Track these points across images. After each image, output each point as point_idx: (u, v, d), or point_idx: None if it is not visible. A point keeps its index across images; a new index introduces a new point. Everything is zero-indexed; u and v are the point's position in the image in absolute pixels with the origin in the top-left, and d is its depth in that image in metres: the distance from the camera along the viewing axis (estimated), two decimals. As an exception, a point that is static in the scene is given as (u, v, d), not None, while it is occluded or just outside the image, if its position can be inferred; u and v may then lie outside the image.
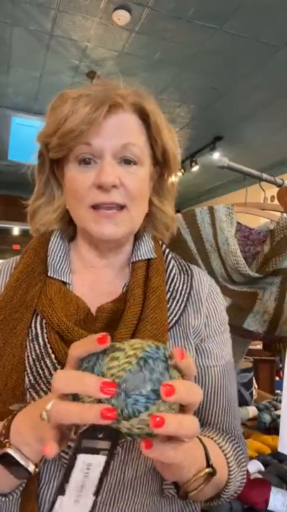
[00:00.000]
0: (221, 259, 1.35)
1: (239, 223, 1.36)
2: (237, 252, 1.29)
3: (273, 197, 1.49)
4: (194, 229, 1.40)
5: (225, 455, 0.64)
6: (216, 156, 4.99)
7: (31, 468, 0.50)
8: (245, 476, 0.68)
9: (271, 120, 4.38)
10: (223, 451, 0.65)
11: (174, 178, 0.75)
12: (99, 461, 0.44)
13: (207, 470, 0.55)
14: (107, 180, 0.61)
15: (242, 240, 1.37)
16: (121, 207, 0.64)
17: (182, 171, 5.83)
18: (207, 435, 0.67)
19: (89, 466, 0.44)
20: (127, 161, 0.64)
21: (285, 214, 1.39)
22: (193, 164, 5.54)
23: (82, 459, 0.43)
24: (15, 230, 8.48)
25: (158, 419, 0.40)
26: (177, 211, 1.52)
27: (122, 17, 2.92)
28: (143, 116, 0.66)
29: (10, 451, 0.50)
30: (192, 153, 5.41)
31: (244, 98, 3.99)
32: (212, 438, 0.66)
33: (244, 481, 0.67)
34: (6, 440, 0.50)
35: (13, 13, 2.98)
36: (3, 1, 2.84)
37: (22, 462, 0.50)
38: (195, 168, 5.57)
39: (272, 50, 3.22)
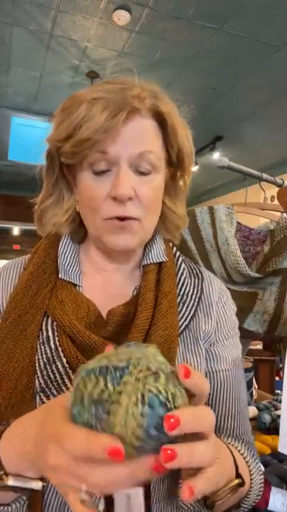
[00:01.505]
0: (221, 259, 1.35)
1: (239, 223, 1.36)
2: (237, 252, 1.29)
3: (273, 197, 1.49)
4: (194, 229, 1.40)
5: (247, 463, 0.63)
6: (216, 156, 4.99)
7: (38, 486, 0.47)
8: (263, 484, 0.66)
9: (271, 120, 4.38)
10: (244, 458, 0.63)
11: (187, 179, 0.73)
12: (136, 491, 0.42)
13: (237, 481, 0.53)
14: (123, 192, 0.59)
15: (242, 240, 1.37)
16: (134, 219, 0.63)
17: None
18: (228, 443, 0.65)
19: (128, 495, 0.42)
20: (143, 173, 0.62)
21: (285, 214, 1.39)
22: (193, 164, 5.54)
23: (119, 492, 0.41)
24: (15, 230, 8.49)
25: (169, 451, 0.37)
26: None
27: (122, 17, 2.92)
28: (160, 119, 0.63)
29: (10, 482, 0.46)
30: (192, 153, 5.41)
31: (244, 98, 3.99)
32: (233, 445, 0.64)
33: (262, 489, 0.65)
34: (2, 472, 0.47)
35: (13, 13, 2.98)
36: (3, 1, 2.84)
37: (27, 486, 0.47)
38: (195, 168, 5.57)
39: (272, 50, 3.22)
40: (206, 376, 0.69)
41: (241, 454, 0.63)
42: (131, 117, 0.60)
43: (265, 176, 1.49)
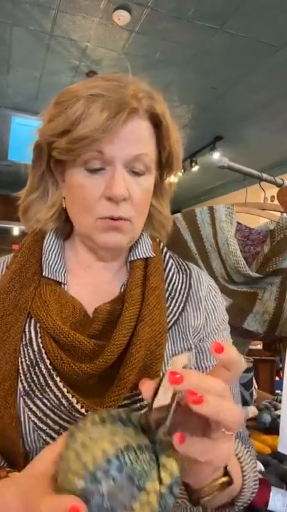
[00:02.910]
0: (222, 259, 1.35)
1: (239, 223, 1.36)
2: (237, 252, 1.29)
3: (273, 197, 1.49)
4: (194, 229, 1.40)
5: (240, 462, 0.61)
6: (216, 156, 4.99)
7: None
8: (257, 482, 0.64)
9: (271, 120, 4.38)
10: (237, 455, 0.62)
11: (173, 179, 0.73)
12: None
13: (225, 479, 0.51)
14: (118, 192, 0.59)
15: (242, 240, 1.37)
16: (126, 219, 0.62)
17: (182, 170, 5.83)
18: None
19: None
20: (136, 173, 0.62)
21: (285, 214, 1.39)
22: (193, 164, 5.54)
23: None
24: (15, 230, 8.49)
25: (177, 375, 0.38)
26: (178, 211, 1.52)
27: (122, 17, 2.92)
28: (155, 120, 0.63)
29: None
30: (192, 153, 5.41)
31: (244, 98, 3.99)
32: None
33: (257, 487, 0.64)
34: None
35: (13, 13, 2.98)
36: (3, 1, 2.85)
37: None
38: (195, 168, 5.57)
39: (272, 50, 3.22)
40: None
41: (236, 454, 0.62)
42: (130, 118, 0.59)
43: (265, 176, 1.49)
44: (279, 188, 1.47)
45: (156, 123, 0.63)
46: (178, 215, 1.42)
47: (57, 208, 0.68)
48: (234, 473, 0.54)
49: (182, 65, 3.53)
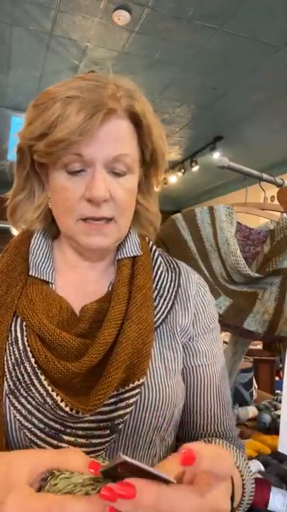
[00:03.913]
0: (222, 259, 1.35)
1: (239, 223, 1.36)
2: (237, 252, 1.29)
3: (273, 197, 1.49)
4: (194, 229, 1.40)
5: (239, 470, 0.59)
6: (216, 156, 4.99)
7: None
8: (254, 484, 0.62)
9: (271, 120, 4.39)
10: (237, 467, 0.59)
11: (159, 177, 0.72)
12: None
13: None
14: (98, 194, 0.58)
15: (242, 240, 1.37)
16: (109, 219, 0.62)
17: (183, 170, 5.84)
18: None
19: None
20: (118, 174, 0.62)
21: (285, 214, 1.39)
22: (193, 164, 5.54)
23: None
24: (15, 230, 8.50)
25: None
26: (178, 211, 1.52)
27: (122, 17, 2.92)
28: (136, 119, 0.62)
29: None
30: (192, 153, 5.41)
31: (244, 98, 3.99)
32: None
33: (253, 489, 0.62)
34: None
35: (13, 13, 2.98)
36: (3, 1, 2.85)
37: None
38: (195, 168, 5.57)
39: (272, 50, 3.22)
40: (185, 372, 0.68)
41: (235, 462, 0.59)
42: (107, 119, 0.58)
43: (265, 176, 1.49)
44: (279, 188, 1.47)
45: (136, 122, 0.63)
46: (178, 215, 1.42)
47: (44, 209, 0.68)
48: (236, 490, 0.52)
49: (182, 65, 3.53)
